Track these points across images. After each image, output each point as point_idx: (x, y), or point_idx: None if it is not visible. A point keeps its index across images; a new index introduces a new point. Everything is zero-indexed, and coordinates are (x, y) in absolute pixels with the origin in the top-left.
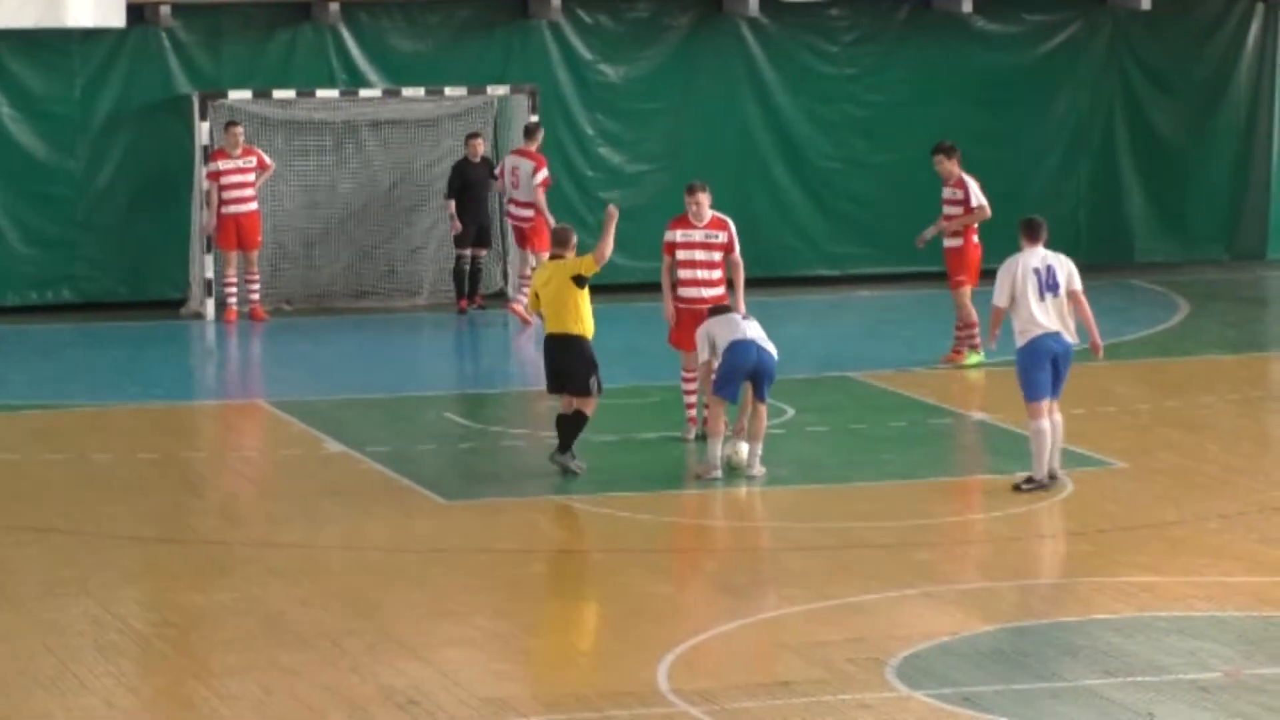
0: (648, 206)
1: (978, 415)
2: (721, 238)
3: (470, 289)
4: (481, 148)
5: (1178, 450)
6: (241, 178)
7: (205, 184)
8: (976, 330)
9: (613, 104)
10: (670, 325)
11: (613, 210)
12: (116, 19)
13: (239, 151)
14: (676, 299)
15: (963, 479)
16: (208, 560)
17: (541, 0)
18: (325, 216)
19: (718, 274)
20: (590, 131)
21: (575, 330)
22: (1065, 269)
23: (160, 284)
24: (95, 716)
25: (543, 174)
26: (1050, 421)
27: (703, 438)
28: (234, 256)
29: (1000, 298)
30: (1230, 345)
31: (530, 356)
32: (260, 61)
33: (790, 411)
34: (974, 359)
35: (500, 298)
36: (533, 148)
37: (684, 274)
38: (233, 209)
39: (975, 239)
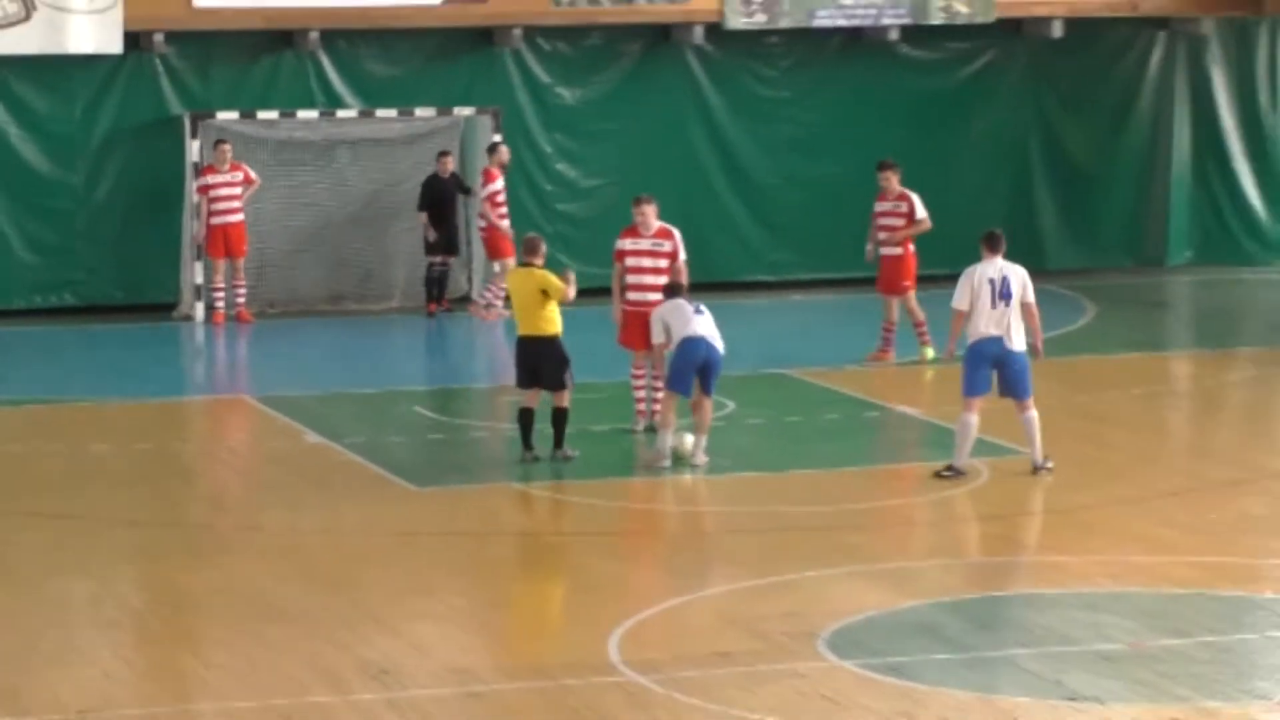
0: (601, 218)
1: (902, 409)
2: (667, 246)
3: (439, 293)
4: (451, 164)
5: (1085, 441)
6: (229, 191)
7: (195, 197)
8: (926, 327)
9: (569, 124)
10: (619, 327)
11: (570, 274)
12: (114, 46)
13: (227, 167)
14: (625, 302)
15: (889, 467)
16: (197, 543)
17: (504, 29)
18: (306, 227)
19: (664, 280)
20: (549, 149)
21: (548, 331)
22: (1020, 280)
23: (154, 289)
24: (95, 687)
25: (488, 188)
26: (1024, 418)
27: (652, 429)
28: (222, 264)
29: (960, 302)
30: (1133, 345)
31: (493, 355)
32: (246, 85)
33: (731, 405)
34: (930, 353)
35: (466, 301)
36: (487, 164)
37: (632, 279)
38: (221, 220)
39: (912, 248)
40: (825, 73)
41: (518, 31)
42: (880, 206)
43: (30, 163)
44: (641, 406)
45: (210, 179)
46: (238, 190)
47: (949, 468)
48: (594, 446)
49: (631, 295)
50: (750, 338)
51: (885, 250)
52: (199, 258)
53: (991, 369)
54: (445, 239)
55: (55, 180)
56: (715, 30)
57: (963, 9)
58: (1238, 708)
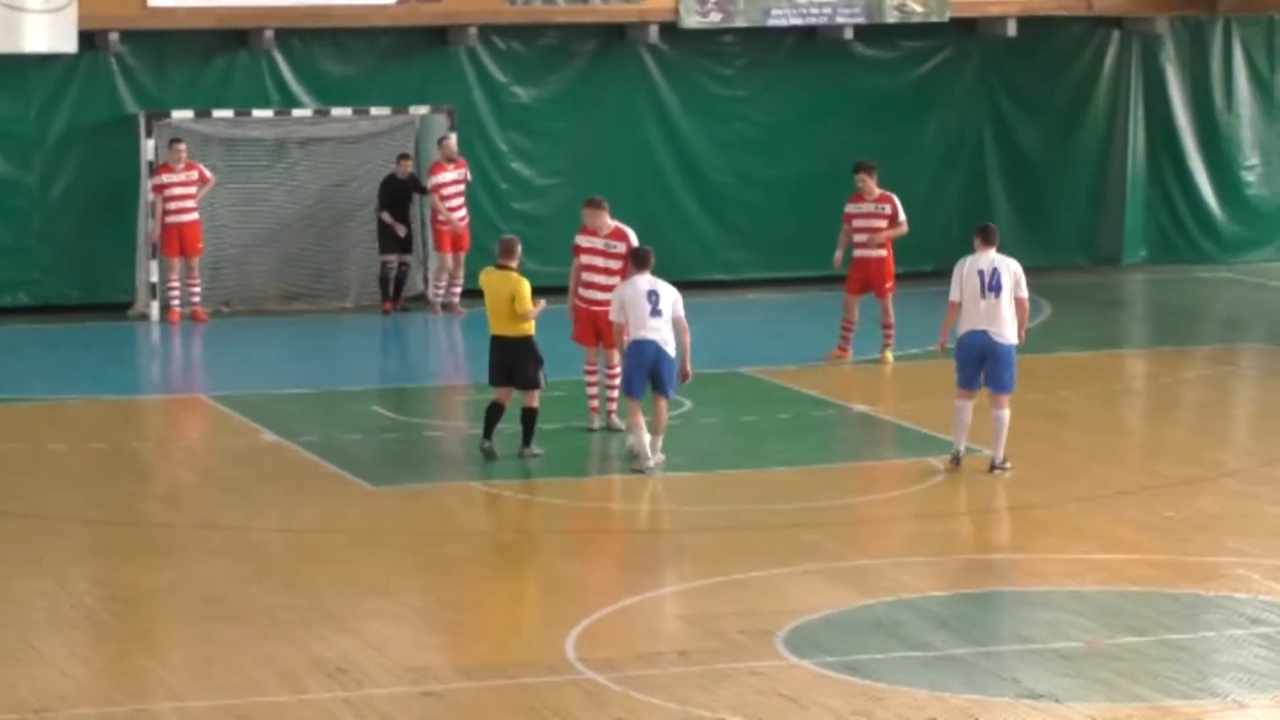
0: (556, 216)
1: (859, 408)
2: (620, 248)
3: (395, 292)
4: (409, 166)
5: (1041, 439)
6: (184, 190)
7: (150, 196)
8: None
9: (525, 123)
10: (572, 323)
11: (542, 306)
12: (69, 45)
13: (181, 166)
14: (578, 299)
15: (846, 466)
16: (153, 542)
17: (459, 28)
18: (260, 226)
19: (616, 280)
20: (504, 148)
21: (520, 331)
22: (1011, 274)
23: (109, 288)
24: (52, 686)
25: (432, 180)
26: (995, 414)
27: (607, 428)
28: (177, 263)
29: (954, 294)
30: (1088, 343)
31: (449, 355)
32: (201, 84)
33: (688, 404)
34: (890, 356)
35: (421, 301)
36: (436, 157)
37: (585, 277)
38: (176, 219)
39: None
40: (780, 72)
41: (473, 30)
42: (857, 208)
43: None
44: (595, 404)
45: (165, 178)
46: (193, 189)
47: (955, 458)
48: (550, 444)
49: (584, 293)
50: (705, 336)
51: (865, 252)
52: (154, 257)
53: (978, 361)
54: (403, 238)
55: (10, 180)
56: (670, 29)
57: (917, 8)
58: (1195, 706)
